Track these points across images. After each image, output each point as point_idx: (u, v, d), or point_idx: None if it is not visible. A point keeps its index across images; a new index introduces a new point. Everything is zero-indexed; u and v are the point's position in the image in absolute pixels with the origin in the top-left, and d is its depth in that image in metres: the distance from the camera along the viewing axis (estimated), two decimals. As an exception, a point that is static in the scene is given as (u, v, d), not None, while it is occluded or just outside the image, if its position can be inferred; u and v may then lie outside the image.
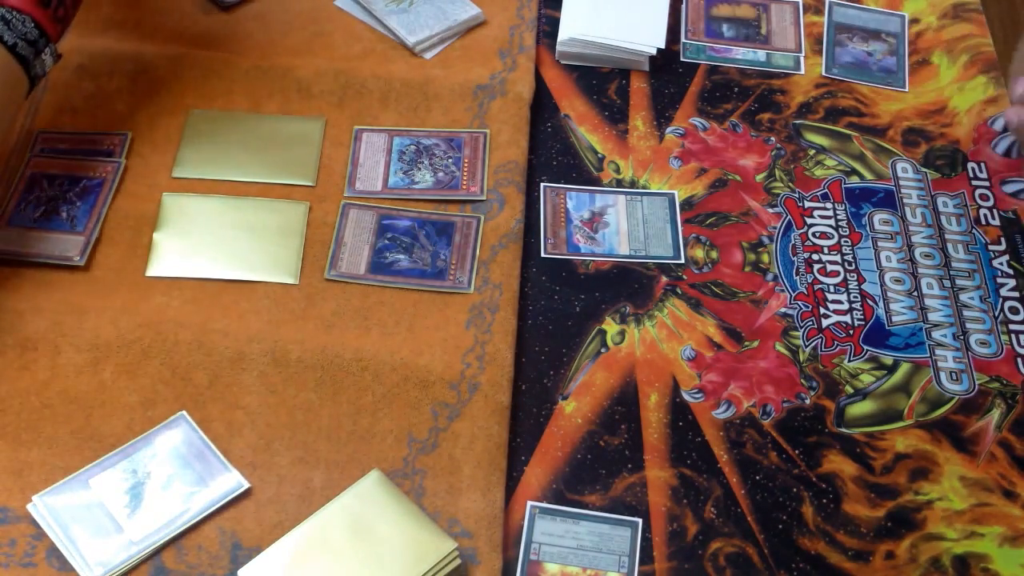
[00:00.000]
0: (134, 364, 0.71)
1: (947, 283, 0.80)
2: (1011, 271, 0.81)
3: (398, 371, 0.72)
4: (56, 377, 0.71)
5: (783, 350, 0.76)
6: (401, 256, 0.78)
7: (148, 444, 0.67)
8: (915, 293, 0.79)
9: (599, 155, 0.86)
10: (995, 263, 0.81)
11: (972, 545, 0.68)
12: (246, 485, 0.66)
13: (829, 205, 0.84)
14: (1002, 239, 0.83)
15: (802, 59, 0.94)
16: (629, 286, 0.79)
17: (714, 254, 0.81)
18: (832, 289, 0.79)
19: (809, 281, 0.79)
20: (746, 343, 0.76)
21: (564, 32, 0.92)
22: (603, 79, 0.91)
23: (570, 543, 0.66)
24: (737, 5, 0.98)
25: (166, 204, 0.79)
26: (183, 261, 0.77)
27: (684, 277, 0.79)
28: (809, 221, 0.83)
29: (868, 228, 0.83)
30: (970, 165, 0.87)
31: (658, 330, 0.76)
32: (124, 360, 0.71)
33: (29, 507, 0.65)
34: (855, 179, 0.86)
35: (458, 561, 0.62)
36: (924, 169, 0.87)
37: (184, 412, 0.69)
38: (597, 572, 0.65)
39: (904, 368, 0.75)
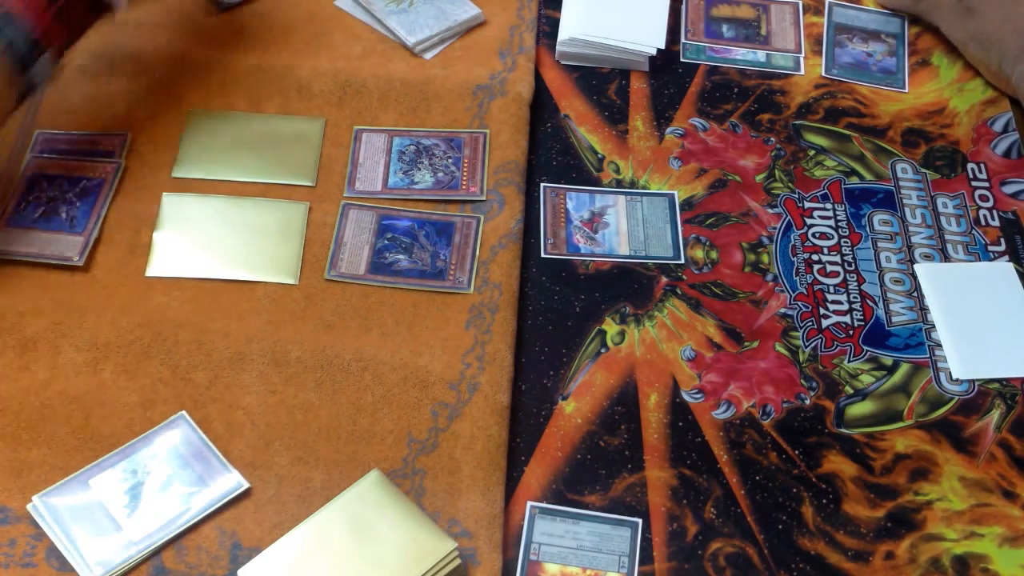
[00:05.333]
0: (134, 364, 0.71)
1: (947, 283, 0.80)
2: (1011, 272, 0.81)
3: (398, 371, 0.72)
4: (56, 377, 0.70)
5: (783, 350, 0.76)
6: (401, 256, 0.78)
7: (148, 444, 0.67)
8: (915, 293, 0.79)
9: (599, 155, 0.86)
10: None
11: (972, 545, 0.68)
12: (246, 485, 0.66)
13: (829, 206, 0.84)
14: (1002, 240, 0.83)
15: (802, 60, 0.94)
16: (629, 286, 0.79)
17: (714, 254, 0.81)
18: (832, 289, 0.79)
19: (809, 281, 0.79)
20: (746, 343, 0.76)
21: (564, 32, 0.92)
22: (603, 79, 0.91)
23: (570, 543, 0.66)
24: (737, 5, 0.98)
25: (166, 204, 0.79)
26: (183, 261, 0.77)
27: (684, 277, 0.79)
28: (809, 222, 0.83)
29: (868, 229, 0.83)
30: (970, 166, 0.87)
31: (658, 330, 0.76)
32: (124, 360, 0.71)
33: (29, 507, 0.65)
34: (855, 180, 0.86)
35: (458, 561, 0.62)
36: (924, 170, 0.87)
37: (184, 412, 0.69)
38: (597, 572, 0.65)
39: (904, 368, 0.75)
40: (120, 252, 0.77)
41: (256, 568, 0.61)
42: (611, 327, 0.76)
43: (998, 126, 0.90)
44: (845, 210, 0.84)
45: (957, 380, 0.75)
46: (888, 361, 0.76)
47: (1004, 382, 0.75)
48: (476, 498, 0.67)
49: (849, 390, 0.74)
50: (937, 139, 0.89)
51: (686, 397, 0.73)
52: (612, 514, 0.68)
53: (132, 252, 0.77)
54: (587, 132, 0.88)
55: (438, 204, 0.81)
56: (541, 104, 0.89)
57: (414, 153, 0.84)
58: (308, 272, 0.77)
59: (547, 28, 0.94)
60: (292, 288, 0.76)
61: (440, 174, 0.82)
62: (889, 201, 0.85)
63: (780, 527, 0.68)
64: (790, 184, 0.85)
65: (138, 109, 0.85)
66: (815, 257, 0.81)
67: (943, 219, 0.84)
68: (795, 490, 0.70)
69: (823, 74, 0.93)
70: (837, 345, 0.76)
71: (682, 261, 0.80)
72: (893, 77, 0.93)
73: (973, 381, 0.75)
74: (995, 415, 0.73)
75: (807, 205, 0.84)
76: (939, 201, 0.85)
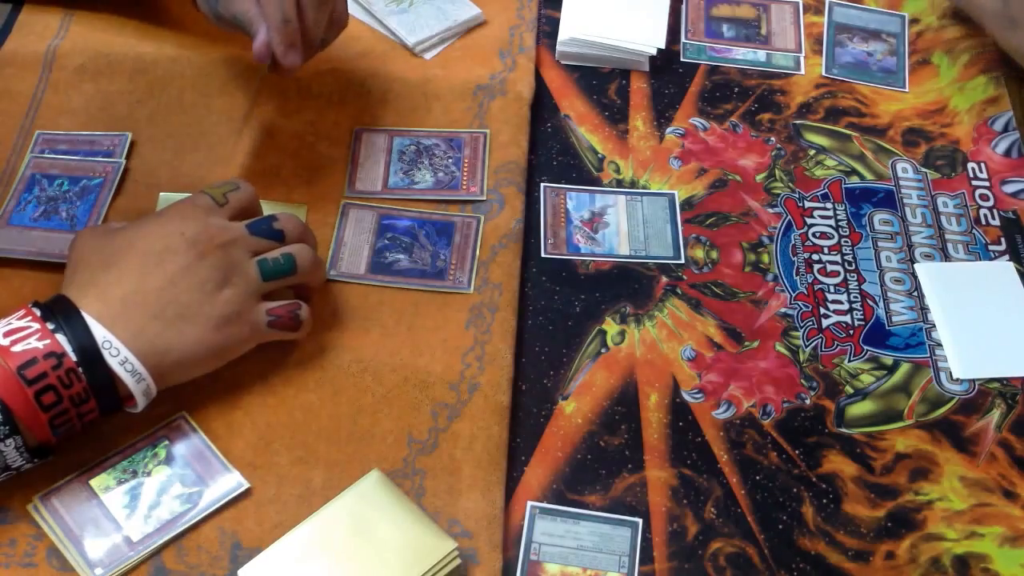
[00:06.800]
0: (134, 364, 0.71)
1: (947, 283, 0.80)
2: (1011, 271, 0.81)
3: (398, 372, 0.72)
4: (56, 377, 0.70)
5: (783, 350, 0.76)
6: (401, 256, 0.78)
7: (148, 444, 0.67)
8: (915, 293, 0.79)
9: (599, 155, 0.86)
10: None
11: (972, 545, 0.68)
12: (246, 485, 0.66)
13: (829, 205, 0.84)
14: (1002, 239, 0.83)
15: (802, 59, 0.94)
16: (629, 286, 0.79)
17: (714, 254, 0.81)
18: (832, 289, 0.79)
19: (809, 281, 0.79)
20: (746, 343, 0.76)
21: (564, 32, 0.92)
22: (603, 79, 0.91)
23: (570, 543, 0.66)
24: (737, 5, 0.98)
25: (163, 203, 0.79)
26: (183, 261, 0.76)
27: (684, 277, 0.79)
28: (809, 221, 0.83)
29: (868, 228, 0.83)
30: (970, 165, 0.87)
31: (658, 330, 0.76)
32: (124, 360, 0.71)
33: (29, 507, 0.64)
34: (855, 179, 0.86)
35: (458, 561, 0.62)
36: (924, 169, 0.87)
37: (184, 412, 0.69)
38: (597, 572, 0.65)
39: (904, 368, 0.75)
40: (120, 252, 0.77)
41: (256, 568, 0.61)
42: (611, 327, 0.76)
43: (998, 125, 0.90)
44: (845, 210, 0.84)
45: (957, 380, 0.75)
46: (888, 361, 0.76)
47: (1005, 381, 0.75)
48: (476, 498, 0.67)
49: (849, 390, 0.74)
50: (937, 138, 0.89)
51: (686, 397, 0.73)
52: (612, 514, 0.68)
53: (132, 252, 0.77)
54: (587, 132, 0.88)
55: (438, 204, 0.81)
56: (541, 104, 0.89)
57: (414, 153, 0.84)
58: (308, 272, 0.77)
59: (547, 28, 0.94)
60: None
61: (440, 174, 0.82)
62: (889, 201, 0.85)
63: (780, 527, 0.68)
64: (790, 184, 0.85)
65: (138, 109, 0.85)
66: (815, 257, 0.81)
67: (943, 218, 0.84)
68: (795, 490, 0.70)
69: (823, 74, 0.93)
70: (837, 345, 0.76)
71: (682, 261, 0.80)
72: (893, 76, 0.93)
73: (973, 381, 0.75)
74: (995, 415, 0.73)
75: (807, 205, 0.84)
76: (939, 200, 0.85)
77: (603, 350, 0.75)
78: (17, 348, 0.60)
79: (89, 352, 0.61)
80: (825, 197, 0.85)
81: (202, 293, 0.65)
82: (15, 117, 0.84)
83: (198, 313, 0.65)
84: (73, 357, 0.61)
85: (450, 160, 0.83)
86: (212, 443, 0.68)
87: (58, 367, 0.60)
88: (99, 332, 0.62)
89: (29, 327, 0.61)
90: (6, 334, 0.61)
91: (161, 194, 0.80)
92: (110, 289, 0.64)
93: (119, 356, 0.62)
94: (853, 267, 0.80)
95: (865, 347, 0.76)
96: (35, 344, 0.60)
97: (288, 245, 0.69)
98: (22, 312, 0.63)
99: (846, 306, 0.78)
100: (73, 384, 0.61)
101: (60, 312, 0.62)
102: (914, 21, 0.97)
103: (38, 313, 0.62)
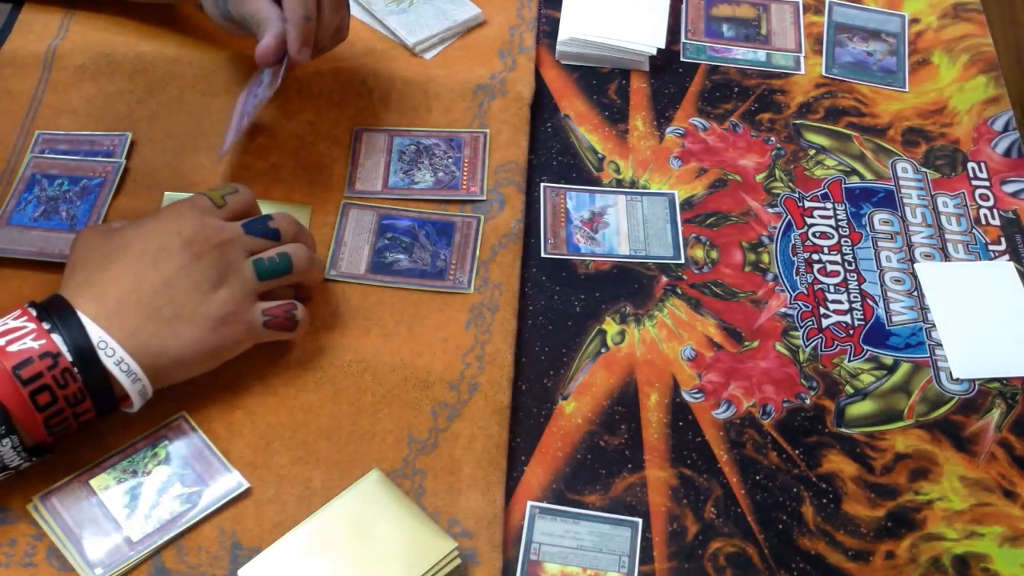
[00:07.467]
0: (134, 364, 0.71)
1: (947, 283, 0.80)
2: (1011, 271, 0.81)
3: (398, 371, 0.72)
4: (56, 377, 0.70)
5: (783, 350, 0.76)
6: (401, 256, 0.78)
7: (148, 444, 0.67)
8: (915, 293, 0.79)
9: (599, 155, 0.86)
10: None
11: (972, 545, 0.68)
12: (246, 485, 0.66)
13: (829, 205, 0.84)
14: (1002, 239, 0.83)
15: (802, 59, 0.94)
16: (629, 286, 0.79)
17: (714, 254, 0.81)
18: (832, 289, 0.79)
19: (809, 281, 0.79)
20: (746, 343, 0.76)
21: (564, 32, 0.92)
22: (603, 79, 0.91)
23: (570, 543, 0.66)
24: (737, 5, 0.98)
25: (167, 203, 0.79)
26: (183, 261, 0.76)
27: (684, 277, 0.79)
28: (809, 221, 0.83)
29: (868, 228, 0.83)
30: (970, 165, 0.87)
31: (658, 330, 0.76)
32: (124, 360, 0.71)
33: (29, 507, 0.64)
34: (855, 179, 0.86)
35: (458, 561, 0.62)
36: (924, 169, 0.87)
37: (184, 412, 0.69)
38: (597, 572, 0.65)
39: (904, 368, 0.75)
40: (120, 252, 0.77)
41: (256, 568, 0.61)
42: (611, 327, 0.76)
43: (998, 125, 0.90)
44: (845, 209, 0.84)
45: (957, 379, 0.75)
46: (888, 360, 0.76)
47: (1004, 381, 0.75)
48: (476, 498, 0.67)
49: (849, 390, 0.74)
50: (937, 138, 0.89)
51: (686, 397, 0.73)
52: (612, 514, 0.68)
53: (132, 252, 0.77)
54: (587, 132, 0.88)
55: (438, 204, 0.81)
56: (541, 104, 0.89)
57: (414, 153, 0.84)
58: (308, 272, 0.77)
59: (547, 28, 0.94)
60: (292, 288, 0.76)
61: (440, 174, 0.82)
62: (889, 200, 0.85)
63: (780, 527, 0.68)
64: (790, 184, 0.85)
65: (138, 109, 0.85)
66: (815, 256, 0.81)
67: (943, 218, 0.84)
68: (795, 490, 0.70)
69: (823, 73, 0.93)
70: (837, 345, 0.76)
71: (682, 261, 0.80)
72: (893, 76, 0.93)
73: (973, 380, 0.75)
74: (995, 414, 0.73)
75: (807, 204, 0.84)
76: (939, 200, 0.85)
77: (603, 350, 0.75)
78: (13, 348, 0.60)
79: (85, 352, 0.61)
80: (825, 197, 0.85)
81: (198, 293, 0.65)
82: (15, 117, 0.84)
83: (194, 313, 0.65)
84: (68, 357, 0.61)
85: (450, 160, 0.83)
86: (212, 443, 0.68)
87: (53, 367, 0.60)
88: (95, 332, 0.62)
89: (25, 327, 0.61)
90: (1, 334, 0.61)
91: (166, 193, 0.80)
92: (106, 289, 0.64)
93: (115, 356, 0.62)
94: (853, 267, 0.80)
95: (865, 347, 0.76)
96: (31, 344, 0.60)
97: (284, 244, 0.70)
98: (18, 312, 0.63)
99: (846, 306, 0.78)
100: (68, 384, 0.61)
101: (56, 312, 0.62)
102: (914, 21, 0.97)
103: (34, 313, 0.62)
